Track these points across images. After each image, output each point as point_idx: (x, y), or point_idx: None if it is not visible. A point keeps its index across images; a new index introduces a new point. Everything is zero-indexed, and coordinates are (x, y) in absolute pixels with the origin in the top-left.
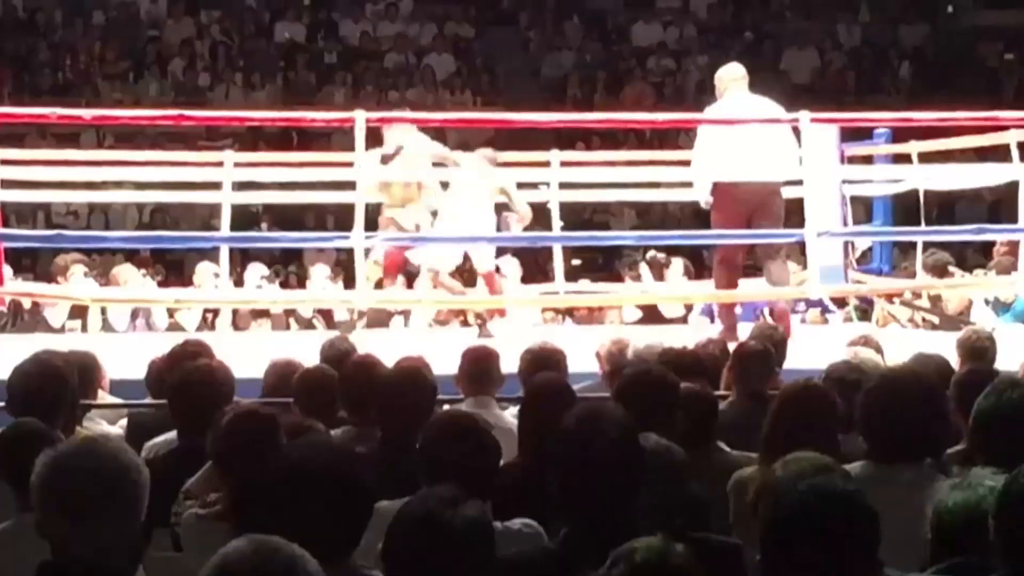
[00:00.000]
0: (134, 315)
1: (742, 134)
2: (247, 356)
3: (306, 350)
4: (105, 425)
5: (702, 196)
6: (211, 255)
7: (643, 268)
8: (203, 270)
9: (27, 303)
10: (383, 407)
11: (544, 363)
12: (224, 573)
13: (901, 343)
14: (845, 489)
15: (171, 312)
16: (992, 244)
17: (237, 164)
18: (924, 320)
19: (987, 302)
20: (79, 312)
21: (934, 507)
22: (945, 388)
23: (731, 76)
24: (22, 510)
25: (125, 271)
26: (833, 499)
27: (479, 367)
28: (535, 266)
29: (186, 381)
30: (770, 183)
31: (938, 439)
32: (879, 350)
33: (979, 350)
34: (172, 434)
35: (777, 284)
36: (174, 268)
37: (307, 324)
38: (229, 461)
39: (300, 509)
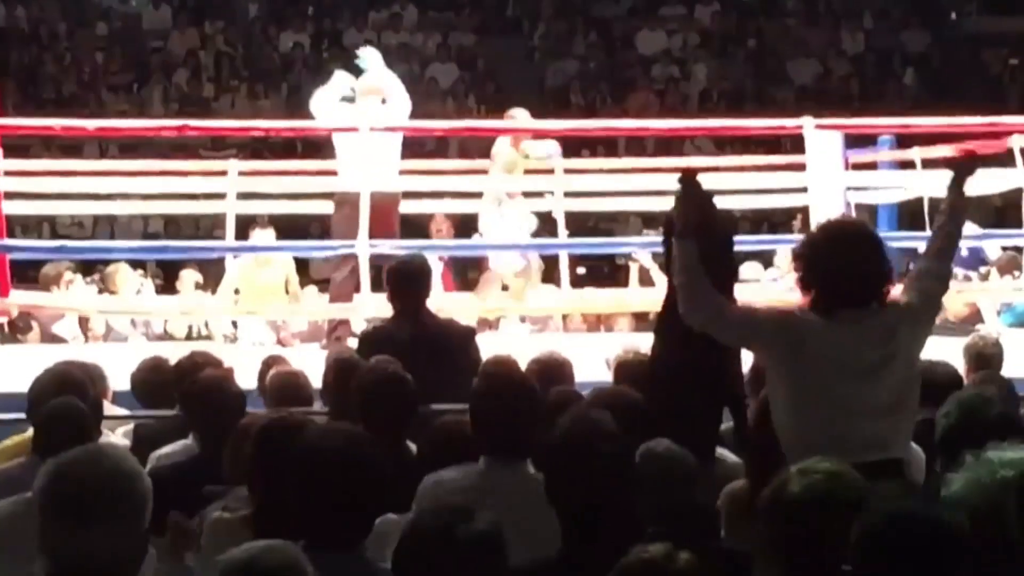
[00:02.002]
0: (134, 321)
1: (370, 145)
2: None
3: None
4: (110, 436)
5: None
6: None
7: (633, 267)
8: (187, 277)
9: (15, 312)
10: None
11: (551, 373)
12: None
13: None
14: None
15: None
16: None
17: (241, 173)
18: None
19: (998, 313)
20: (80, 319)
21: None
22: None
23: (368, 87)
24: None
25: (122, 273)
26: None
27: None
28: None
29: (207, 391)
30: (390, 194)
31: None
32: None
33: (986, 357)
34: (178, 444)
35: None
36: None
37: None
38: (259, 468)
39: (314, 490)
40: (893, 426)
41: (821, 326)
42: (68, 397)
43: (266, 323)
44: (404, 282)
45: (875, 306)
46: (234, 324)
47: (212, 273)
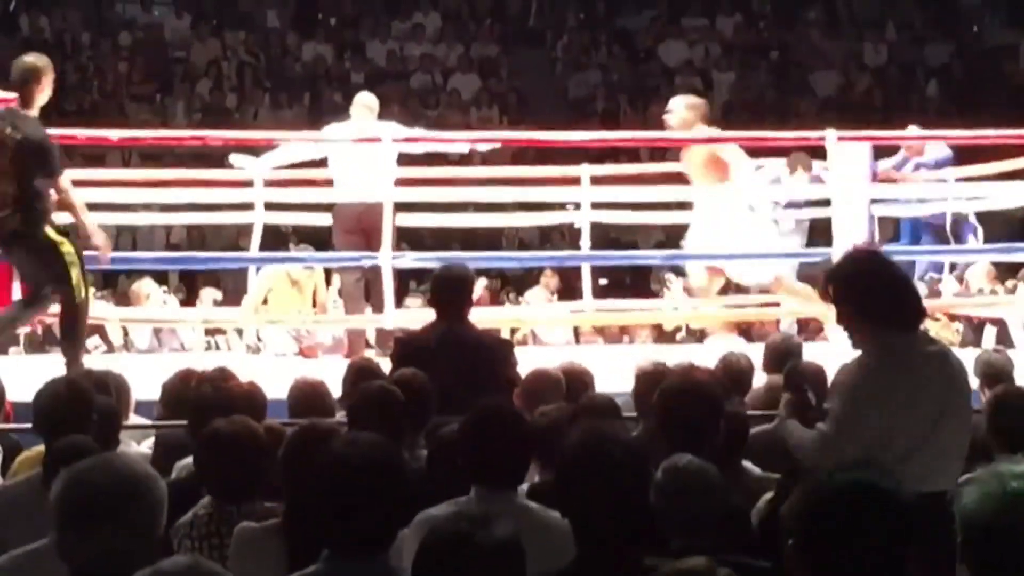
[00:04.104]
0: (156, 333)
1: (357, 158)
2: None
3: (322, 371)
4: (134, 445)
5: None
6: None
7: (672, 278)
8: (205, 296)
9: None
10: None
11: (571, 383)
12: None
13: None
14: (880, 484)
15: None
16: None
17: (266, 183)
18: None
19: None
20: (95, 329)
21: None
22: None
23: (360, 103)
24: None
25: (145, 287)
26: (868, 492)
27: (535, 388)
28: (563, 285)
29: (204, 402)
30: (377, 204)
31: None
32: None
33: (998, 368)
34: None
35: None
36: (196, 289)
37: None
38: (288, 476)
39: (337, 499)
40: (942, 462)
41: (886, 376)
42: (77, 436)
43: (289, 334)
44: (440, 289)
45: (930, 348)
46: (258, 336)
47: (233, 285)
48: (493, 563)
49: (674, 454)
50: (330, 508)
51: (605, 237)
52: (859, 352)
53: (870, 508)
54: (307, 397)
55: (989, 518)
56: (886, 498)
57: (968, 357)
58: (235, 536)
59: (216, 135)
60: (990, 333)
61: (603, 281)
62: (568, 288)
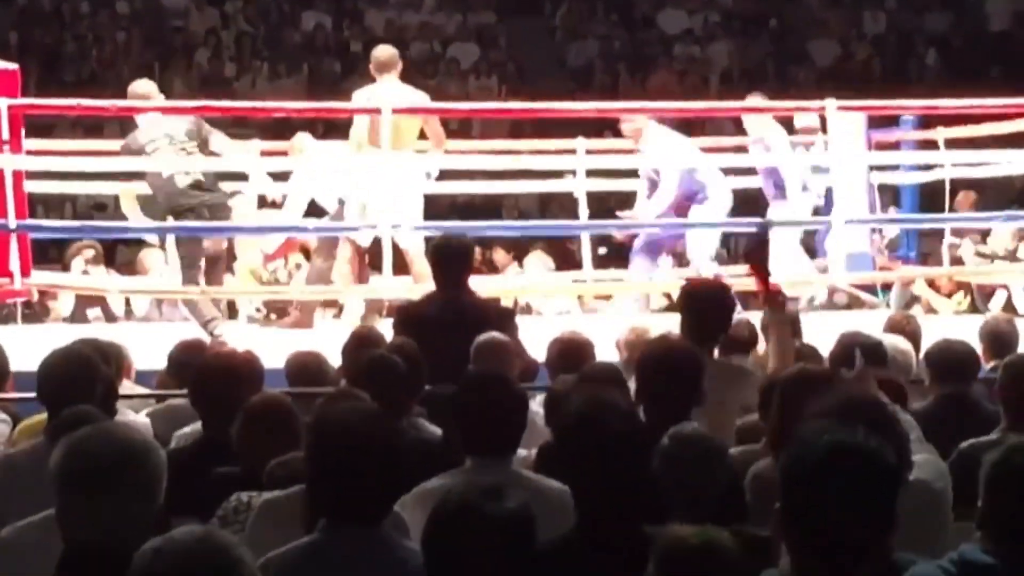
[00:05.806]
0: (159, 303)
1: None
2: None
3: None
4: (132, 414)
5: None
6: None
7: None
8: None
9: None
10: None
11: (572, 353)
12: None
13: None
14: (866, 444)
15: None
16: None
17: (263, 153)
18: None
19: None
20: (98, 300)
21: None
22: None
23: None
24: None
25: (151, 257)
26: (853, 453)
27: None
28: (563, 255)
29: (207, 370)
30: None
31: None
32: (916, 335)
33: (1001, 337)
34: (200, 424)
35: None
36: None
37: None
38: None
39: (331, 467)
40: None
41: None
42: (83, 406)
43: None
44: (441, 259)
45: None
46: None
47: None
48: (504, 534)
49: (654, 420)
50: (326, 479)
51: (603, 207)
52: None
53: (856, 468)
54: (305, 367)
55: (1013, 487)
56: (872, 458)
57: (975, 325)
58: (258, 505)
59: (215, 105)
60: (999, 299)
61: (602, 250)
62: (564, 258)
